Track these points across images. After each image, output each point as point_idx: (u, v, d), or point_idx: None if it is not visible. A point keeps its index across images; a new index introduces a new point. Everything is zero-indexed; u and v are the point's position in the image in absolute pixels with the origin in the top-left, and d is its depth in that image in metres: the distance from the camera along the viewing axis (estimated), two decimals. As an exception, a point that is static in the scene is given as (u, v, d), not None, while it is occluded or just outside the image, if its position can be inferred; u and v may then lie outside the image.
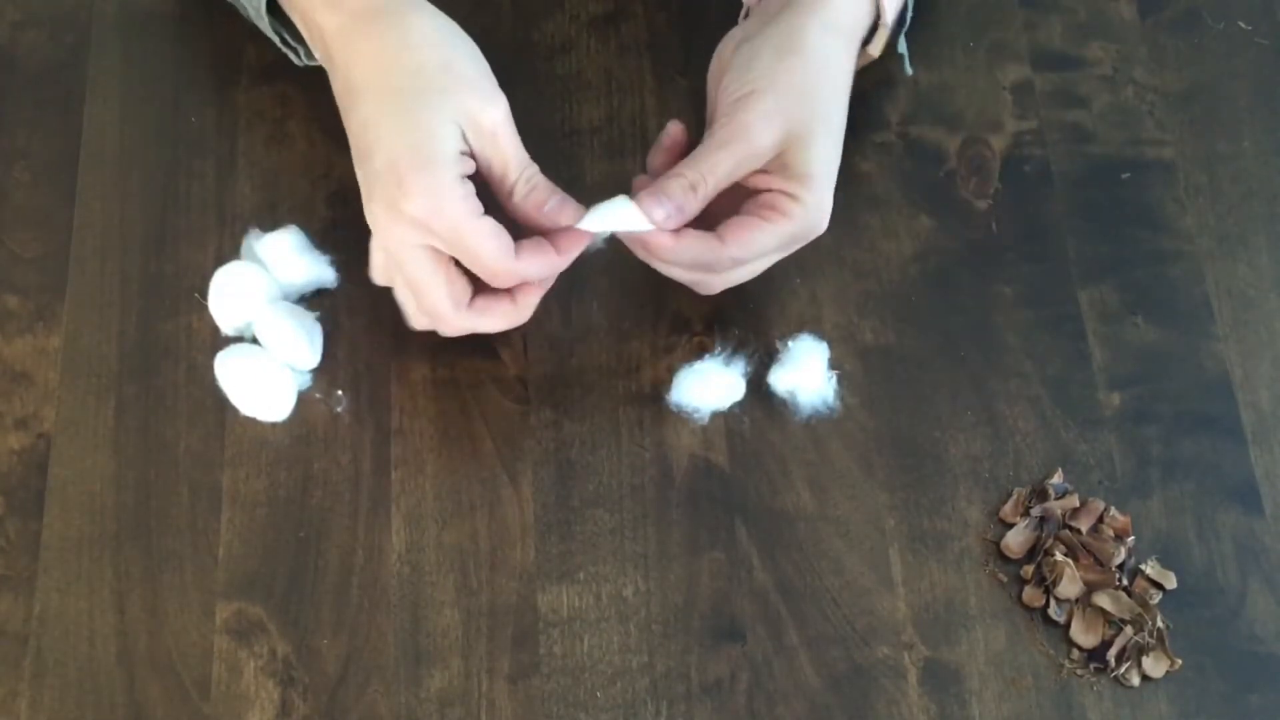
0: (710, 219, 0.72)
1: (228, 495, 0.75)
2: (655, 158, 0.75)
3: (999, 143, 0.85)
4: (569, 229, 0.72)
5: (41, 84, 0.85)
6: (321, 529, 0.75)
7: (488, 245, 0.69)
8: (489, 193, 0.72)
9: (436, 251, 0.70)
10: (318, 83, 0.84)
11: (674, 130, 0.75)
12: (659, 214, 0.71)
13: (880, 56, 0.80)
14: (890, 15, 0.78)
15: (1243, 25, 0.89)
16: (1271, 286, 0.82)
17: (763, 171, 0.72)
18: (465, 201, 0.69)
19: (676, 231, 0.71)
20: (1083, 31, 0.88)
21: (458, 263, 0.71)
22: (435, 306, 0.72)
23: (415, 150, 0.69)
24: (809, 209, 0.72)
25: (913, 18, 0.82)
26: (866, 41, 0.79)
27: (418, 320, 0.75)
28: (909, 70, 0.83)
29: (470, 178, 0.70)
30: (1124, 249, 0.83)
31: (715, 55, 0.77)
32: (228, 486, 0.76)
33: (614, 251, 0.81)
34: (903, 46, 0.82)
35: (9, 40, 0.86)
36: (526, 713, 0.71)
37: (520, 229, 0.72)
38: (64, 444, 0.76)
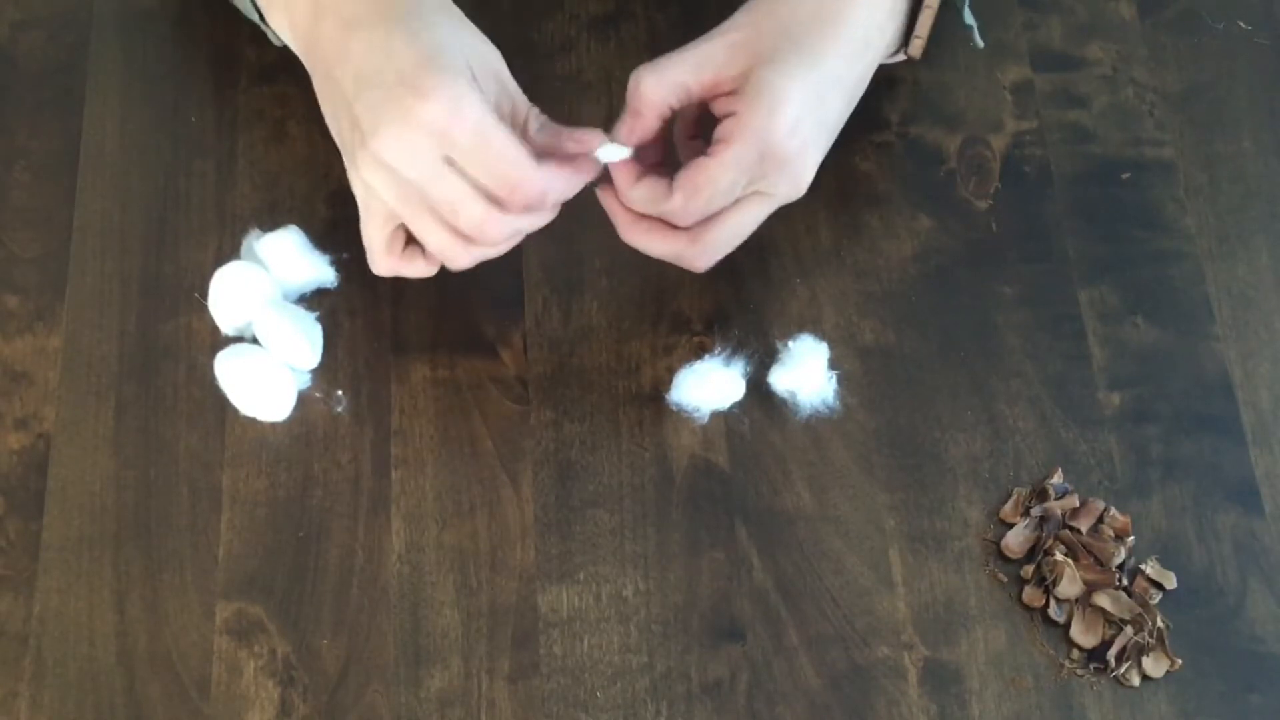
0: None
1: (228, 495, 0.75)
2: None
3: (999, 143, 0.85)
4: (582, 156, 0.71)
5: (41, 84, 0.85)
6: (321, 529, 0.75)
7: (512, 149, 0.67)
8: None
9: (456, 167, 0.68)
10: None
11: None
12: (622, 129, 0.71)
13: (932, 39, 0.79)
14: None
15: (1243, 25, 0.89)
16: (1271, 286, 0.82)
17: (729, 94, 0.71)
18: (485, 104, 0.67)
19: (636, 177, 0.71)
20: (1083, 31, 0.88)
21: None
22: (475, 216, 0.69)
23: (431, 59, 0.67)
24: (756, 130, 0.69)
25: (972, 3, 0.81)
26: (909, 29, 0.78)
27: (453, 253, 0.72)
28: (980, 42, 0.81)
29: None
30: (1124, 249, 0.83)
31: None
32: (228, 486, 0.76)
33: (614, 252, 0.81)
34: (969, 19, 0.80)
35: (9, 40, 0.86)
36: (526, 713, 0.71)
37: None
38: (64, 444, 0.76)
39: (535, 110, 0.72)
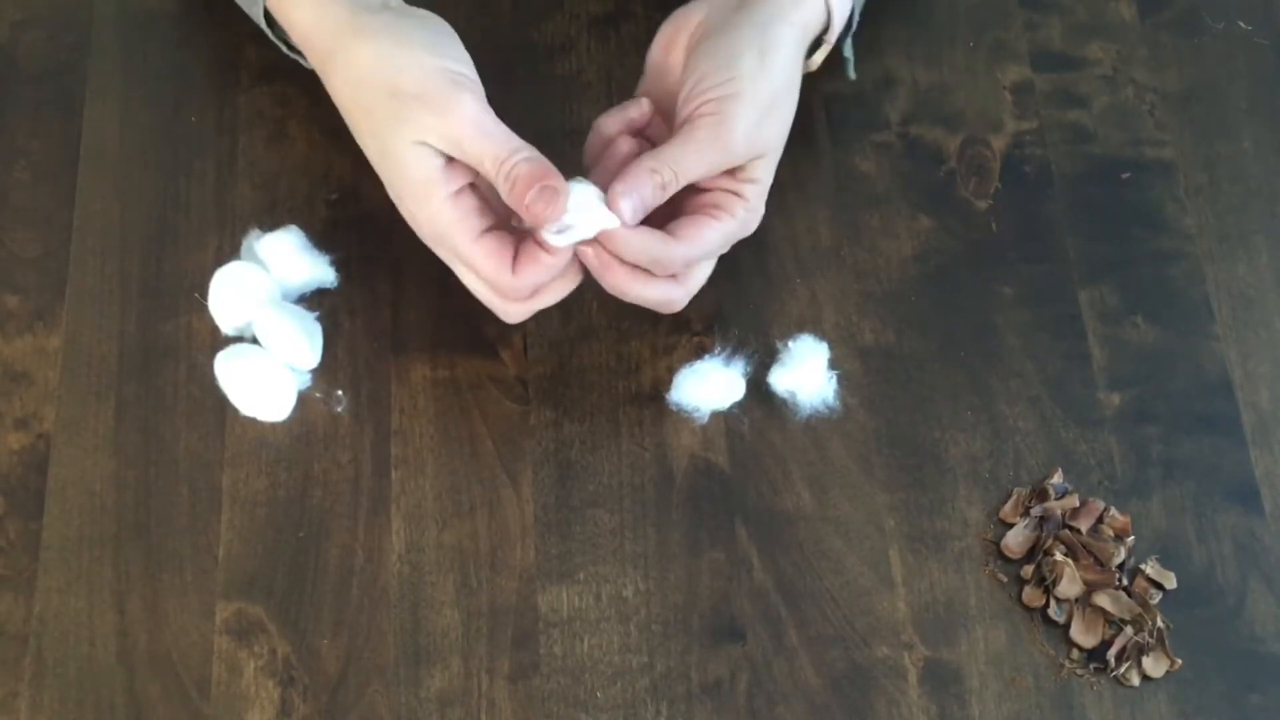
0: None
1: (228, 495, 0.75)
2: (611, 124, 0.75)
3: (999, 143, 0.85)
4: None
5: (41, 84, 0.85)
6: (321, 529, 0.75)
7: (485, 268, 0.71)
8: None
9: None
10: (318, 83, 0.84)
11: (646, 108, 0.75)
12: (627, 209, 0.70)
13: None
14: (837, 26, 0.78)
15: (1243, 25, 0.89)
16: (1271, 286, 0.82)
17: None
18: (460, 224, 0.70)
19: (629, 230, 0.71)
20: (1083, 31, 0.88)
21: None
22: (490, 301, 0.73)
23: (402, 182, 0.71)
24: (751, 212, 0.73)
25: (860, 24, 0.81)
26: (812, 51, 0.79)
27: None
28: (852, 75, 0.83)
29: (478, 179, 0.71)
30: (1124, 249, 0.83)
31: (673, 26, 0.76)
32: (228, 486, 0.76)
33: (614, 251, 0.81)
34: (849, 51, 0.82)
35: (9, 40, 0.86)
36: (526, 713, 0.71)
37: None
38: (64, 444, 0.76)
39: (506, 168, 0.69)
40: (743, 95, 0.71)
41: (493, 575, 0.74)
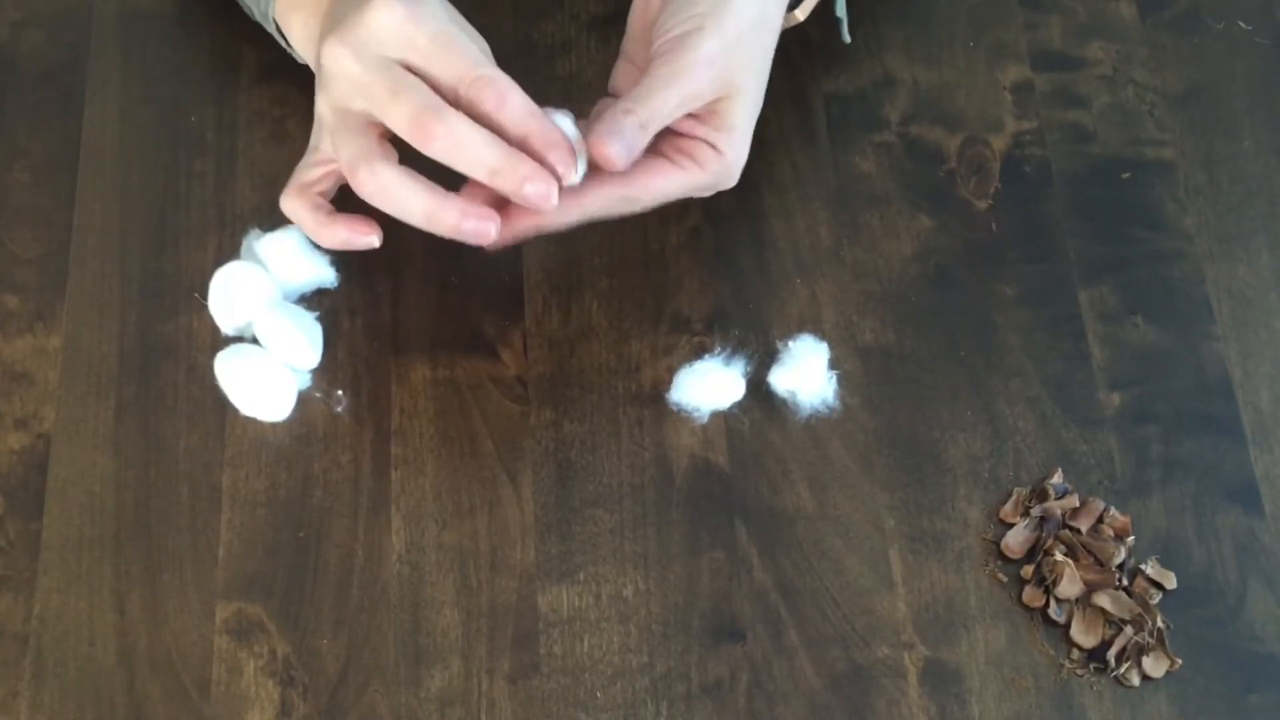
0: None
1: (228, 495, 0.75)
2: (619, 78, 0.75)
3: (999, 143, 0.85)
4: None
5: (41, 84, 0.85)
6: (321, 529, 0.75)
7: (473, 48, 0.67)
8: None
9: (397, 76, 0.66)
10: (318, 83, 0.85)
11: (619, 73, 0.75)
12: (614, 152, 0.68)
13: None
14: None
15: (1243, 25, 0.89)
16: (1271, 286, 0.82)
17: (690, 115, 0.72)
18: (446, 9, 0.68)
19: (583, 189, 0.70)
20: (1083, 31, 0.88)
21: None
22: (415, 100, 0.66)
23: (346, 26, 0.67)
24: (728, 164, 0.72)
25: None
26: (794, 5, 0.78)
27: (428, 120, 0.66)
28: (847, 37, 0.82)
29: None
30: (1124, 249, 0.83)
31: None
32: (228, 486, 0.76)
33: (614, 252, 0.81)
34: (841, 10, 0.81)
35: (9, 40, 0.86)
36: (526, 713, 0.71)
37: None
38: (64, 444, 0.76)
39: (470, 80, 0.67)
40: (704, 29, 0.70)
41: (493, 575, 0.74)
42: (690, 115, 0.72)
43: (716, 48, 0.70)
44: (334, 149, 0.70)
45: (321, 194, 0.73)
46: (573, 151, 0.68)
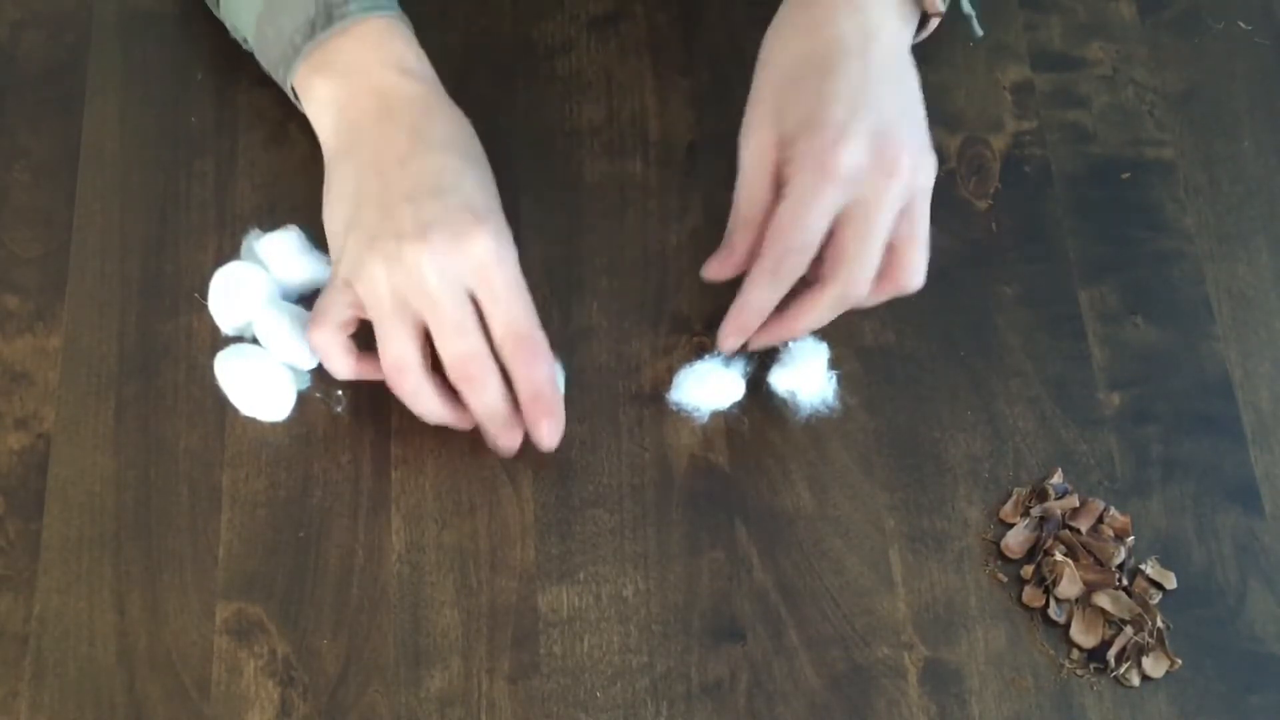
0: None
1: (228, 495, 0.75)
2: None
3: (999, 143, 0.85)
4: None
5: (41, 84, 0.85)
6: (321, 529, 0.75)
7: (532, 309, 0.71)
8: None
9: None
10: (318, 83, 0.84)
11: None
12: (728, 346, 0.75)
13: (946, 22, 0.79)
14: None
15: (1243, 25, 0.89)
16: (1271, 286, 0.82)
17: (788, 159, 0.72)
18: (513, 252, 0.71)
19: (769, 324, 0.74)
20: (1083, 31, 0.88)
21: None
22: (469, 346, 0.71)
23: (493, 201, 0.72)
24: (804, 159, 0.71)
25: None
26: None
27: (404, 369, 0.72)
28: (979, 31, 0.82)
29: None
30: (1124, 249, 0.83)
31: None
32: (228, 486, 0.76)
33: (614, 252, 0.81)
34: (967, 6, 0.81)
35: (9, 40, 0.86)
36: (526, 713, 0.71)
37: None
38: (64, 444, 0.76)
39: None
40: (753, 101, 0.73)
41: (493, 575, 0.74)
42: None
43: (752, 101, 0.74)
44: (378, 330, 0.72)
45: (350, 334, 0.74)
46: (559, 423, 0.73)
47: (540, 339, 0.72)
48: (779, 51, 0.74)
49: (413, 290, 0.70)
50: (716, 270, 0.75)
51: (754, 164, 0.73)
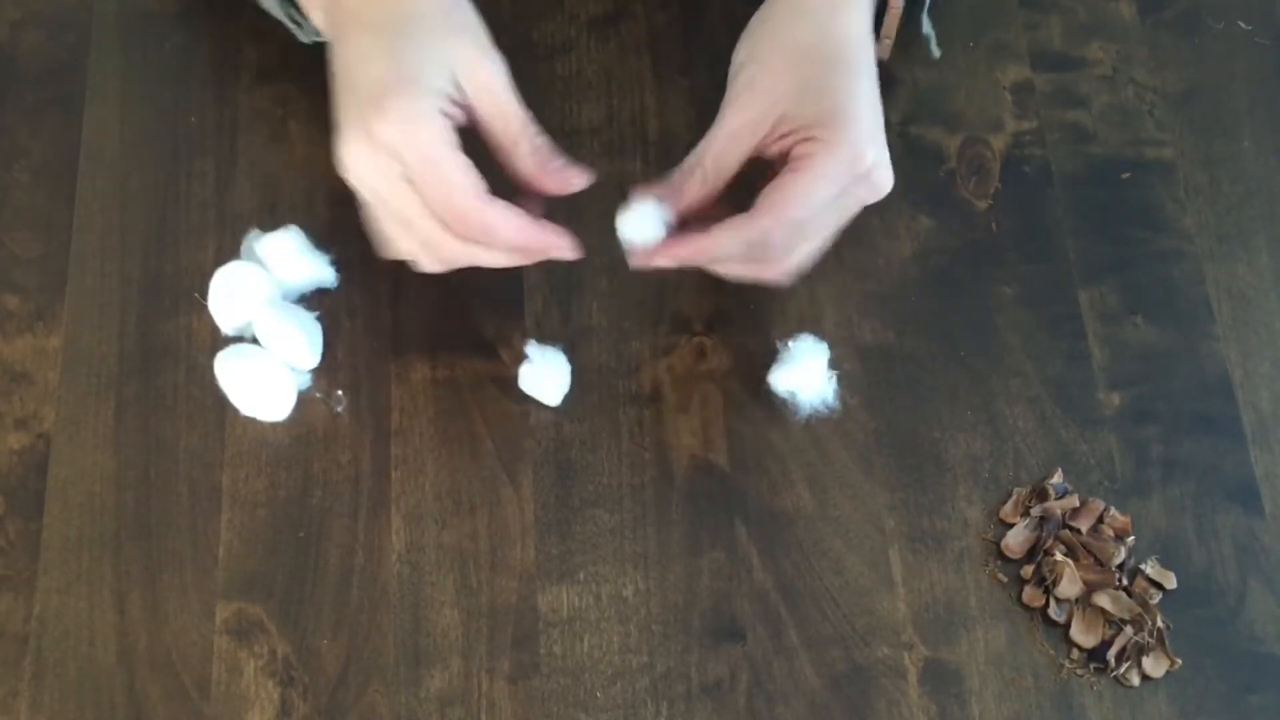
0: None
1: (228, 495, 0.75)
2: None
3: (999, 143, 0.85)
4: (551, 194, 0.70)
5: (41, 84, 0.85)
6: (321, 529, 0.75)
7: (458, 178, 0.67)
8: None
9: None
10: (318, 83, 0.84)
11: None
12: (657, 191, 0.70)
13: (898, 41, 0.79)
14: None
15: (1243, 25, 0.89)
16: (1271, 286, 0.82)
17: (784, 135, 0.70)
18: (442, 132, 0.67)
19: (707, 229, 0.70)
20: (1083, 31, 0.88)
21: None
22: (424, 233, 0.69)
23: (400, 77, 0.67)
24: (839, 146, 0.69)
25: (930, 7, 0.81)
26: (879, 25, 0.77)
27: (420, 259, 0.71)
28: (935, 52, 0.82)
29: (460, 131, 0.69)
30: (1124, 249, 0.83)
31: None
32: (228, 486, 0.76)
33: (614, 252, 0.81)
34: (927, 27, 0.81)
35: (9, 40, 0.86)
36: (526, 713, 0.71)
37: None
38: (64, 444, 0.76)
39: (532, 132, 0.70)
40: (743, 62, 0.71)
41: (493, 575, 0.74)
42: (783, 135, 0.70)
43: (754, 71, 0.70)
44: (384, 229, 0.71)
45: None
46: (561, 247, 0.70)
47: (467, 210, 0.68)
48: (784, 29, 0.72)
49: (367, 192, 0.69)
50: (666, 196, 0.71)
51: (747, 129, 0.71)
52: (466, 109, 0.69)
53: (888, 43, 0.79)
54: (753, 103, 0.70)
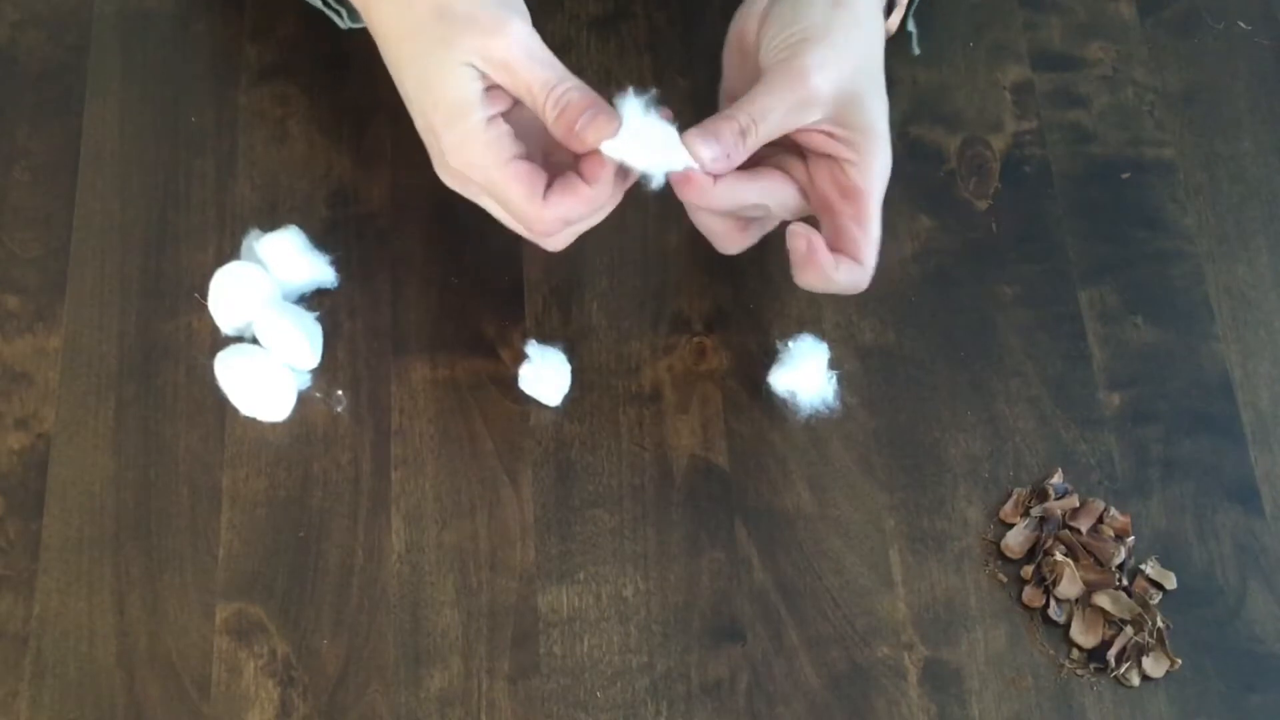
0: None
1: (228, 495, 0.75)
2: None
3: (999, 143, 0.85)
4: (595, 154, 0.68)
5: (41, 84, 0.85)
6: (321, 529, 0.75)
7: (513, 191, 0.68)
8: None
9: None
10: (318, 83, 0.85)
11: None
12: (706, 154, 0.68)
13: (898, 41, 0.79)
14: None
15: (1243, 25, 0.89)
16: (1271, 286, 0.82)
17: (817, 130, 0.70)
18: (492, 147, 0.68)
19: (830, 256, 0.70)
20: (1083, 31, 0.88)
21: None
22: (519, 228, 0.71)
23: (439, 105, 0.68)
24: (875, 158, 0.70)
25: (917, 10, 0.81)
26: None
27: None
28: (916, 50, 0.83)
29: (512, 110, 0.69)
30: (1124, 249, 0.83)
31: (739, 16, 0.74)
32: (228, 486, 0.76)
33: (614, 252, 0.81)
34: (911, 25, 0.81)
35: (9, 40, 0.86)
36: (526, 713, 0.71)
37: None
38: (64, 444, 0.76)
39: (557, 93, 0.68)
40: (811, 38, 0.69)
41: (493, 575, 0.74)
42: (816, 130, 0.70)
43: (828, 54, 0.69)
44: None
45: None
46: (612, 190, 0.70)
47: (535, 219, 0.69)
48: (841, 33, 0.71)
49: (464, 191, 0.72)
50: (712, 163, 0.69)
51: (801, 112, 0.69)
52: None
53: (889, 29, 0.79)
54: (820, 87, 0.69)
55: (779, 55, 0.70)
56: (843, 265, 0.71)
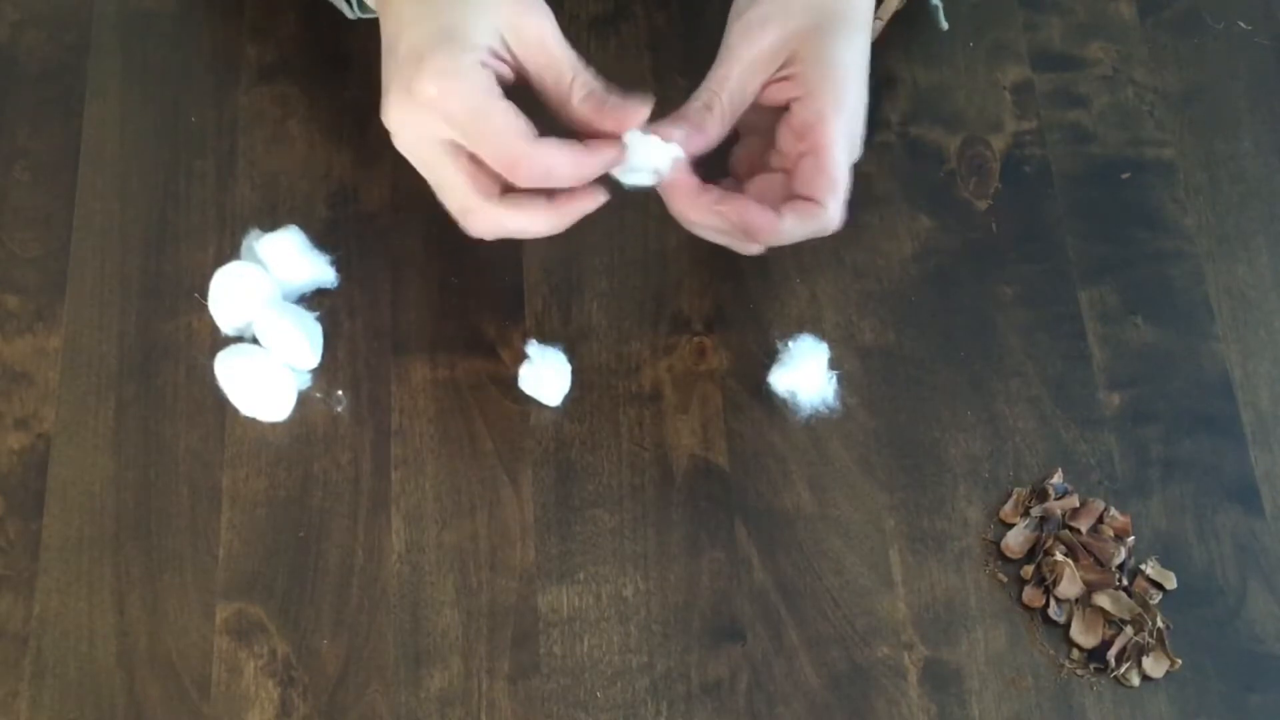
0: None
1: (228, 495, 0.75)
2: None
3: (999, 143, 0.85)
4: (610, 136, 0.69)
5: (41, 84, 0.85)
6: (321, 529, 0.75)
7: (507, 123, 0.67)
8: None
9: (456, 146, 0.68)
10: (318, 83, 0.85)
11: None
12: (677, 134, 0.69)
13: (898, 41, 0.79)
14: None
15: (1243, 25, 0.89)
16: (1271, 286, 0.82)
17: (780, 80, 0.71)
18: (484, 82, 0.67)
19: (778, 211, 0.69)
20: (1083, 31, 0.88)
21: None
22: (461, 201, 0.69)
23: (440, 34, 0.67)
24: (839, 117, 0.70)
25: (908, 10, 0.82)
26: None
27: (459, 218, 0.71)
28: (944, 24, 0.83)
29: (510, 88, 0.68)
30: (1124, 249, 0.83)
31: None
32: (228, 486, 0.76)
33: (614, 252, 0.81)
34: None
35: (9, 40, 0.86)
36: (526, 713, 0.71)
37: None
38: (64, 444, 0.76)
39: (585, 78, 0.69)
40: (757, 1, 0.70)
41: (493, 575, 0.74)
42: (779, 79, 0.70)
43: (770, 8, 0.70)
44: (434, 189, 0.71)
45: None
46: (611, 162, 0.70)
47: (523, 155, 0.67)
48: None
49: (412, 157, 0.70)
50: (687, 141, 0.70)
51: (761, 61, 0.70)
52: (516, 67, 0.69)
53: (879, 24, 0.79)
54: (766, 35, 0.70)
55: (734, 19, 0.71)
56: (793, 211, 0.70)
